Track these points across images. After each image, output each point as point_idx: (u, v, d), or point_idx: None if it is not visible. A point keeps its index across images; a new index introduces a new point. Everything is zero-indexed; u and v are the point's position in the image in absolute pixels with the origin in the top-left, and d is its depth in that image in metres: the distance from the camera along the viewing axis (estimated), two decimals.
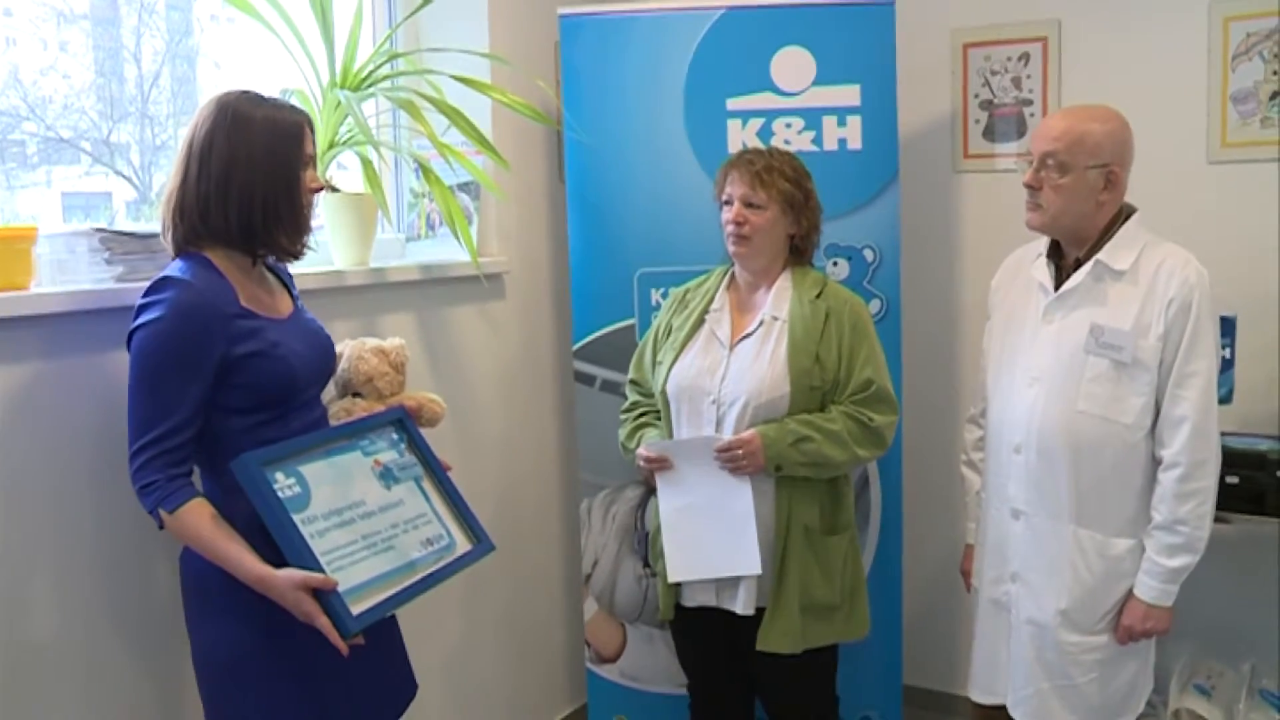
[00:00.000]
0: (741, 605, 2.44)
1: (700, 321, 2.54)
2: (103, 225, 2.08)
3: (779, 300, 2.48)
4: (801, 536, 2.42)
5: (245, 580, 1.75)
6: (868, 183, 2.95)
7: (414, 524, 1.96)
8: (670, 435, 2.54)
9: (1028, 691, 2.34)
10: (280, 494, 1.77)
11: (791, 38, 2.92)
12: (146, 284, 1.80)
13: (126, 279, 2.04)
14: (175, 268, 1.82)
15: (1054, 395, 2.26)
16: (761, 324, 2.46)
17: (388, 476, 1.97)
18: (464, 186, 2.98)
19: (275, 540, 1.75)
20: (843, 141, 2.94)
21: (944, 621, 3.49)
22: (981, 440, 2.53)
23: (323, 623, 1.71)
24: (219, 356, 1.79)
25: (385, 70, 2.65)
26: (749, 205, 2.44)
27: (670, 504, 2.48)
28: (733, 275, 2.58)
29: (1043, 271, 2.34)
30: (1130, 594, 2.24)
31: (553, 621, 3.47)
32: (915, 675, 3.41)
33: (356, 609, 1.75)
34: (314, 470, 1.85)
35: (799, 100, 2.93)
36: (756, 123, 2.94)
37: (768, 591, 2.43)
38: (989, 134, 3.34)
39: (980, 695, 2.49)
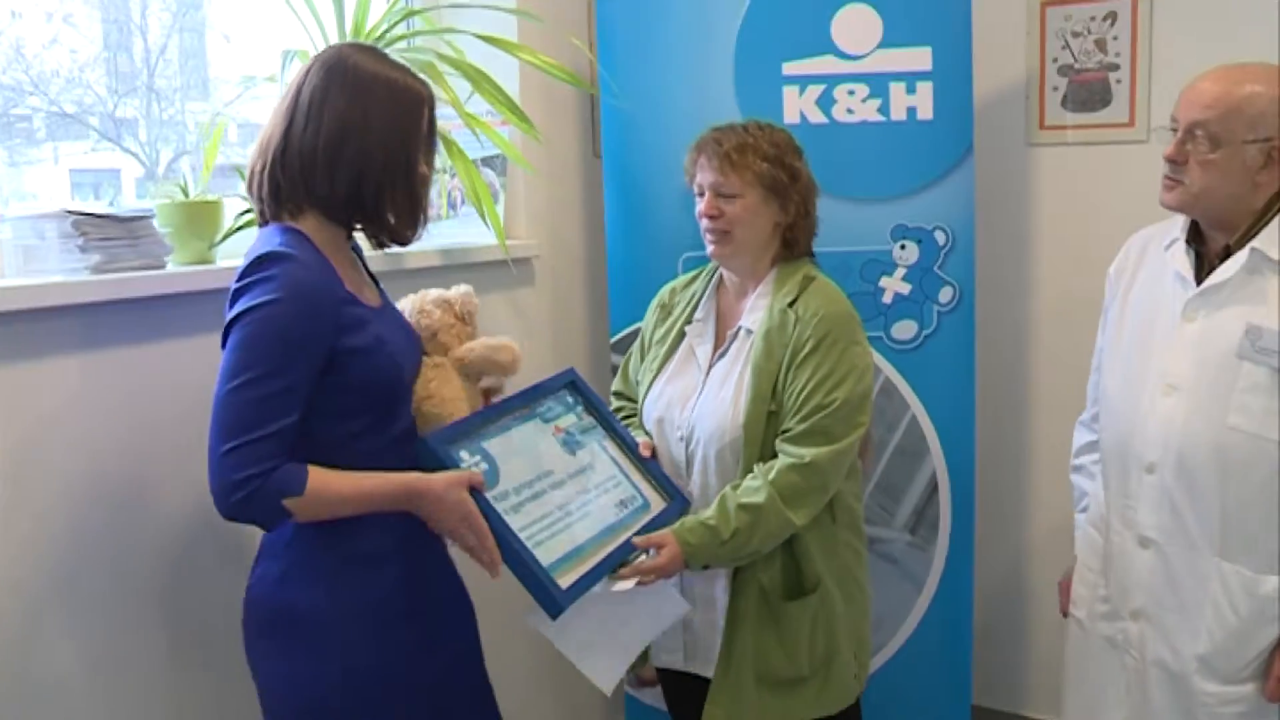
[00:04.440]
0: (701, 665, 2.19)
1: (681, 335, 2.25)
2: (76, 208, 1.91)
3: (755, 309, 2.16)
4: (756, 599, 2.09)
5: (396, 499, 1.67)
6: (940, 157, 2.77)
7: (604, 488, 1.98)
8: None
9: None
10: None
11: None
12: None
13: (104, 269, 1.89)
14: (274, 240, 1.64)
15: (1198, 407, 1.99)
16: (735, 339, 2.17)
17: (570, 442, 1.99)
18: (489, 160, 2.89)
19: None
20: (912, 111, 2.76)
21: (1010, 636, 3.35)
22: (1093, 445, 2.30)
23: (479, 524, 1.69)
24: (328, 348, 1.63)
25: (400, 30, 2.52)
26: (721, 195, 2.12)
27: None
28: (722, 275, 2.27)
29: (1181, 260, 2.07)
30: None
31: None
32: (980, 695, 3.24)
33: (564, 582, 1.77)
34: (498, 445, 1.85)
35: (863, 65, 2.77)
36: (816, 90, 2.77)
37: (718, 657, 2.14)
38: (1067, 102, 3.13)
39: None
